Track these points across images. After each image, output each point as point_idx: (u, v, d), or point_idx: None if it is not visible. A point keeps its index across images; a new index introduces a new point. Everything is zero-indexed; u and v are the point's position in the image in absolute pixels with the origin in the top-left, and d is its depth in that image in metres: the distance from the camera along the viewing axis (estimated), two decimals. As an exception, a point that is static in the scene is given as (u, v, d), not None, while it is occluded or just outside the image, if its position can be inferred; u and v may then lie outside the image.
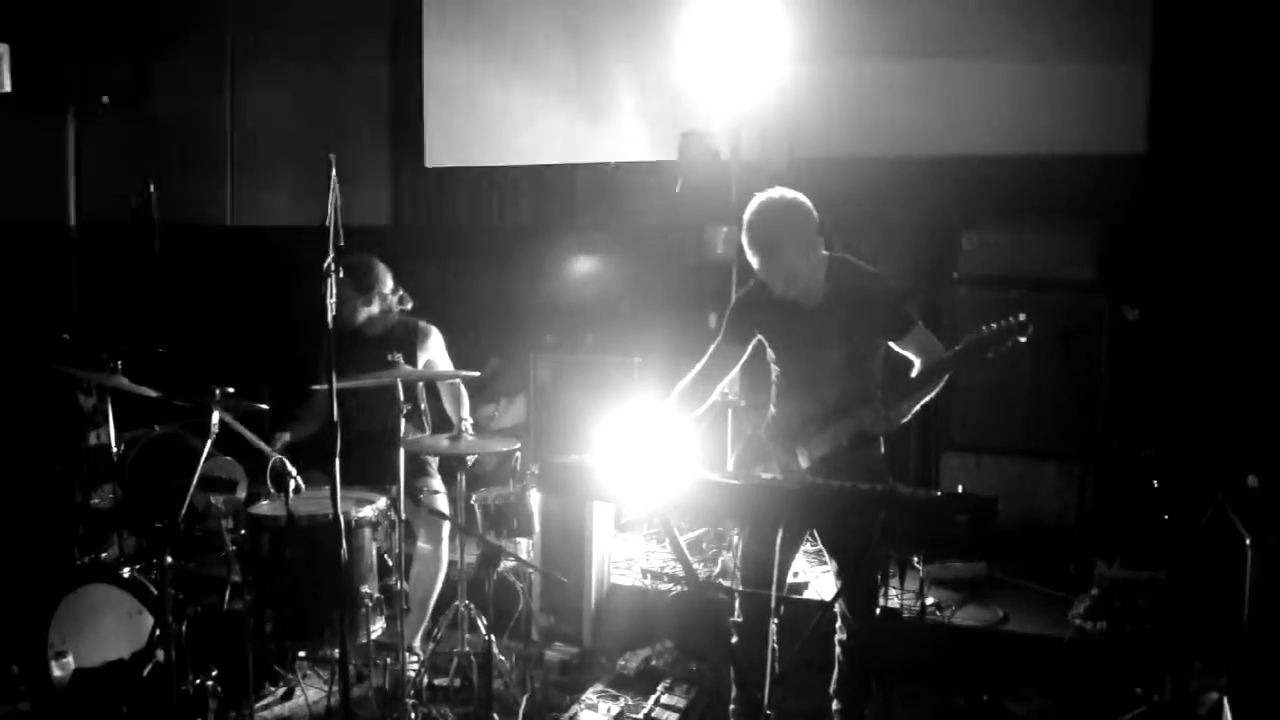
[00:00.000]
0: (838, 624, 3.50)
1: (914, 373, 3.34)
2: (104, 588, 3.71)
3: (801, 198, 3.33)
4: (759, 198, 3.34)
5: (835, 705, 3.56)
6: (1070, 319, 4.88)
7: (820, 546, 4.07)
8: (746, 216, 3.32)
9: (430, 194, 6.58)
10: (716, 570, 4.86)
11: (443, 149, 6.53)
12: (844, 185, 4.88)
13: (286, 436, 4.31)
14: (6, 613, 3.98)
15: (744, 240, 3.33)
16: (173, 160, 6.06)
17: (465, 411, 4.37)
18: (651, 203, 5.71)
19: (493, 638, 3.70)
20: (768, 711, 3.30)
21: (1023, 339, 3.14)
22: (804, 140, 5.30)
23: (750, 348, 3.53)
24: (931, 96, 5.32)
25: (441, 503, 4.40)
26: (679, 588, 4.73)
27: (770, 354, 3.53)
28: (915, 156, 5.39)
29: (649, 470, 3.04)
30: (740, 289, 3.59)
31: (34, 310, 4.88)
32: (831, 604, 3.48)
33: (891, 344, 3.38)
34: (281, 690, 4.12)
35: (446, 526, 4.32)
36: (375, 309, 4.40)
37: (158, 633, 3.53)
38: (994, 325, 3.16)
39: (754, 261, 3.34)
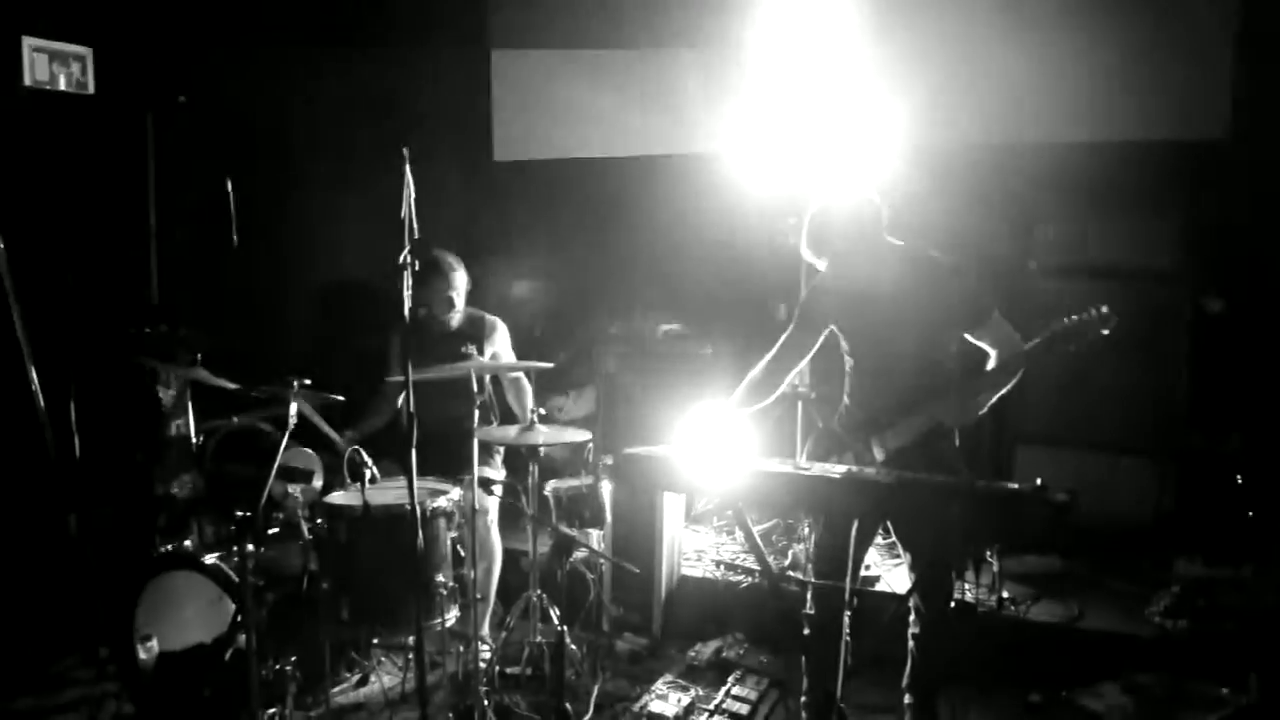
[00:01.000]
0: (911, 617, 3.47)
1: (991, 365, 3.29)
2: (187, 574, 3.80)
3: (866, 196, 3.28)
4: (822, 197, 3.30)
5: (907, 699, 3.53)
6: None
7: (894, 539, 4.04)
8: (808, 214, 3.30)
9: (499, 187, 6.61)
10: (787, 562, 4.84)
11: (511, 143, 6.57)
12: (919, 173, 4.80)
13: (353, 434, 4.37)
14: (95, 598, 4.10)
15: (803, 239, 3.31)
16: (249, 155, 6.16)
17: (529, 404, 4.40)
18: (720, 195, 5.68)
19: (565, 628, 3.72)
20: (840, 704, 3.29)
21: (1105, 331, 3.07)
22: (879, 128, 5.24)
23: (822, 338, 3.50)
24: (1009, 82, 5.20)
25: (496, 492, 4.43)
26: (750, 579, 4.72)
27: (844, 345, 3.49)
28: (992, 144, 5.29)
29: (722, 462, 3.04)
30: (813, 279, 3.55)
31: (114, 305, 5.00)
32: (906, 597, 3.45)
33: (967, 335, 3.33)
34: (357, 676, 4.20)
35: (494, 515, 4.34)
36: (455, 304, 4.44)
37: (238, 618, 3.61)
38: (1074, 317, 3.09)
39: (814, 261, 3.32)
